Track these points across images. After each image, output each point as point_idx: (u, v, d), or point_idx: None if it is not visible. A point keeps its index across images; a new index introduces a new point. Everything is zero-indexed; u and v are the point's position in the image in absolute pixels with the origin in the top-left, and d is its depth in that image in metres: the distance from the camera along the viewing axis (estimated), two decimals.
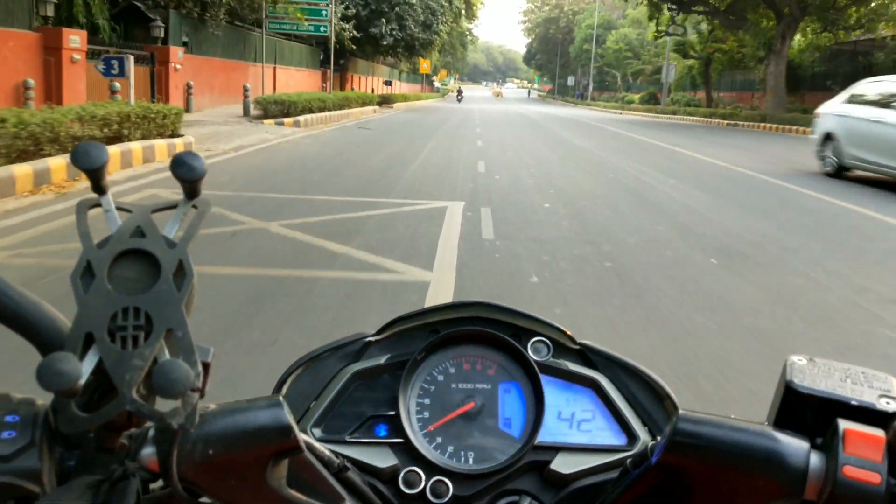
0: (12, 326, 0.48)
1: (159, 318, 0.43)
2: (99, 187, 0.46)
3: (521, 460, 0.65)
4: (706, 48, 39.57)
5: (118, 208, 0.47)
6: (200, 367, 0.44)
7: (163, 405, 0.43)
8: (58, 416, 0.43)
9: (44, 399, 0.47)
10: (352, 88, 33.11)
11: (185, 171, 0.46)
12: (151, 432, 0.49)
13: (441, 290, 4.39)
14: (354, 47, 27.89)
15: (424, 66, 58.79)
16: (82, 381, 0.41)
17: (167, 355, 0.43)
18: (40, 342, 0.48)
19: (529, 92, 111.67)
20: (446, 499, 0.64)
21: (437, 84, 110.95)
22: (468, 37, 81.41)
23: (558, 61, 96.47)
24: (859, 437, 0.46)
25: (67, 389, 0.40)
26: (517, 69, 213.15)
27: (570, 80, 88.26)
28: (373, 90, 34.81)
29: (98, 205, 0.47)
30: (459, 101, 59.84)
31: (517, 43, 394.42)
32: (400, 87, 56.95)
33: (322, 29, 21.33)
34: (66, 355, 0.40)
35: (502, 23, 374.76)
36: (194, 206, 0.48)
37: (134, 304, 0.44)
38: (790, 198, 9.36)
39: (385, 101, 33.62)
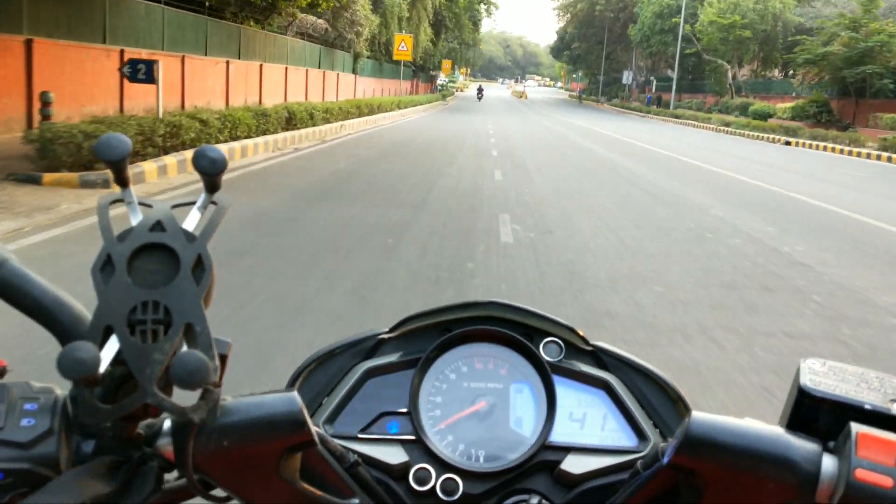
0: (34, 317, 0.49)
1: (178, 313, 0.44)
2: (121, 179, 0.46)
3: (531, 460, 0.66)
4: None
5: (140, 203, 0.47)
6: (218, 361, 0.44)
7: (179, 396, 0.44)
8: (78, 407, 0.44)
9: (62, 388, 0.48)
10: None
11: (207, 164, 0.46)
12: (167, 423, 0.50)
13: None
14: None
15: (402, 46, 32.90)
16: (101, 371, 0.42)
17: (185, 349, 0.44)
18: (61, 333, 0.49)
19: (579, 94, 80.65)
20: (457, 496, 0.64)
21: (442, 80, 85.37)
22: (482, 4, 55.28)
23: (604, 51, 70.34)
24: (872, 441, 0.46)
25: (87, 378, 0.41)
26: (539, 64, 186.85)
27: (626, 76, 62.26)
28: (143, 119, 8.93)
29: (120, 199, 0.47)
30: (480, 98, 57.90)
31: (539, 34, 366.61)
32: (354, 88, 30.91)
33: None
34: (85, 344, 0.41)
35: (523, 12, 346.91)
36: (213, 203, 0.48)
37: (153, 298, 0.44)
38: None
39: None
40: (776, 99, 37.68)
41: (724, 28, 39.54)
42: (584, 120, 36.47)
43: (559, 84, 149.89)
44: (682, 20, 42.52)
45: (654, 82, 63.44)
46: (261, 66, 18.35)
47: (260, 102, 18.15)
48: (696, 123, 36.16)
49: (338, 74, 27.54)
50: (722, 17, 39.41)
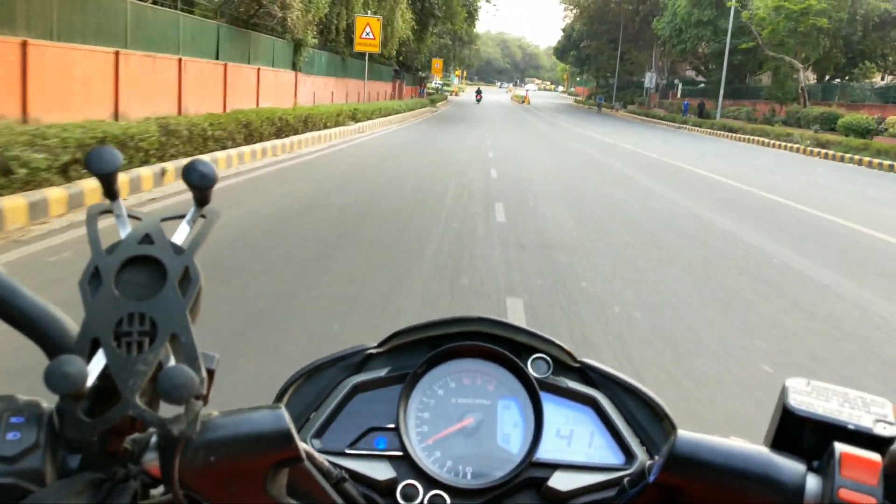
0: (22, 329, 0.49)
1: (164, 324, 0.44)
2: (111, 192, 0.46)
3: (518, 477, 0.66)
4: None
5: (129, 216, 0.47)
6: (205, 374, 0.44)
7: (166, 411, 0.43)
8: (63, 421, 0.44)
9: (49, 401, 0.48)
10: None
11: (197, 178, 0.46)
12: (154, 438, 0.49)
13: None
14: None
15: (367, 33, 23.77)
16: (89, 385, 0.42)
17: (172, 361, 0.44)
18: (49, 346, 0.49)
19: (598, 99, 62.20)
20: None
21: (435, 83, 76.17)
22: None
23: (618, 50, 61.13)
24: (856, 461, 0.46)
25: (74, 392, 0.41)
26: (539, 67, 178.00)
27: (649, 79, 52.97)
28: None
29: (109, 210, 0.47)
30: (479, 101, 57.76)
31: (539, 36, 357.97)
32: (295, 91, 21.62)
33: None
34: (73, 358, 0.41)
35: (522, 12, 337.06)
36: (202, 216, 0.48)
37: (139, 310, 0.44)
38: None
39: None
40: (864, 108, 28.45)
41: (793, 16, 30.30)
42: (610, 134, 27.17)
43: (560, 88, 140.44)
44: (733, 5, 33.23)
45: (680, 86, 54.22)
46: (24, 45, 9.01)
47: (25, 119, 8.78)
48: (765, 141, 26.83)
49: (258, 70, 18.14)
50: (790, 2, 30.18)
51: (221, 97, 15.67)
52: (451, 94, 77.69)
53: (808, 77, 34.03)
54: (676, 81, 56.38)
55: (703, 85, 51.70)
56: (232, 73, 16.26)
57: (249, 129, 11.13)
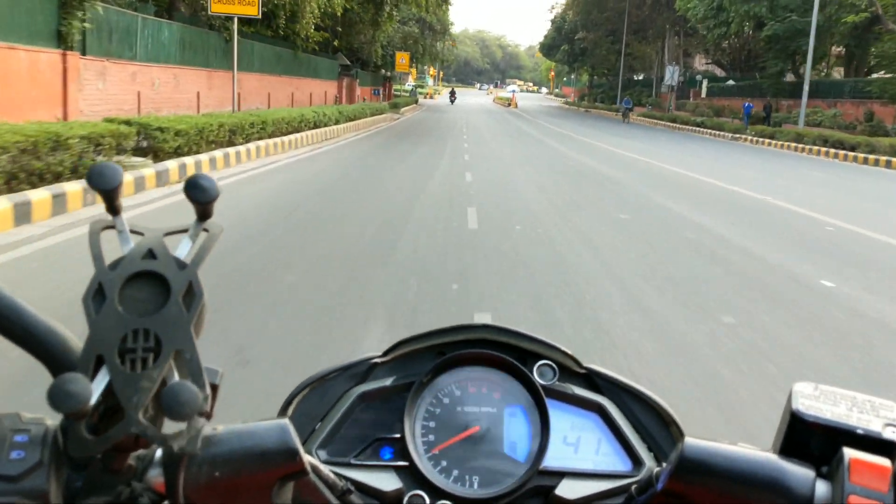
0: (25, 346, 0.49)
1: (168, 340, 0.43)
2: (113, 208, 0.46)
3: (525, 485, 0.65)
4: None
5: (131, 231, 0.47)
6: (209, 390, 0.44)
7: (170, 426, 0.43)
8: (67, 440, 0.44)
9: (53, 419, 0.47)
10: None
11: (198, 193, 0.46)
12: (158, 454, 0.49)
13: None
14: None
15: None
16: (92, 403, 0.41)
17: (176, 377, 0.43)
18: (52, 363, 0.48)
19: (625, 103, 40.23)
20: None
21: (409, 84, 65.17)
22: None
23: (623, 42, 50.44)
24: (865, 467, 0.45)
25: (77, 410, 0.40)
26: (520, 67, 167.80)
27: (669, 74, 41.99)
28: None
29: (111, 226, 0.47)
30: (452, 101, 57.02)
31: (520, 34, 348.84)
32: (65, 96, 10.16)
33: None
34: (76, 376, 0.40)
35: (501, 10, 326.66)
36: (205, 230, 0.47)
37: (143, 326, 0.44)
38: None
39: None
40: None
41: None
42: (661, 156, 16.36)
43: (545, 90, 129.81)
44: None
45: (705, 83, 43.61)
46: None
47: None
48: None
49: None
50: None
51: None
52: (423, 97, 66.68)
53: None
54: (698, 77, 45.81)
55: (731, 82, 41.29)
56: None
57: None
